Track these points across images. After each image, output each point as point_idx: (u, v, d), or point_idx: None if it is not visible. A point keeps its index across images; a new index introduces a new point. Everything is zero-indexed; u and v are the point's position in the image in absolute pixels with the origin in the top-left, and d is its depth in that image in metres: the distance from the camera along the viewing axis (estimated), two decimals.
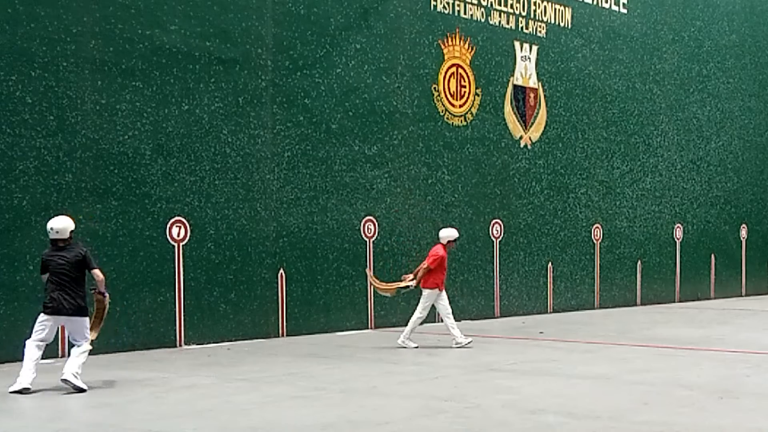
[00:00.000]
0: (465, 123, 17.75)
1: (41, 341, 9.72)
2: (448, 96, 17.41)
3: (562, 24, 19.76)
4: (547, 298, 19.22)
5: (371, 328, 15.86)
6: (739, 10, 24.53)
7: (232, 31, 14.12)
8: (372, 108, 16.06)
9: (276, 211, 14.66)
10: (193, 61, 13.63)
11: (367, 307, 15.93)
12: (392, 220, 16.38)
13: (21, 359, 11.52)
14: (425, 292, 13.36)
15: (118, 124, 12.81)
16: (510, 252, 18.45)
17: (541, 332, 15.25)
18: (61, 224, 9.78)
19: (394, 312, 16.32)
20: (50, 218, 11.94)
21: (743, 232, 24.74)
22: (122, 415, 8.26)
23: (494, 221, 18.20)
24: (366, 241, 15.95)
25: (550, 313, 19.12)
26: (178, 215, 13.46)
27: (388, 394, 9.32)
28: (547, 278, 19.22)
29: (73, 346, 9.89)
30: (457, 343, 13.21)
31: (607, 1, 20.78)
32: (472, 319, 17.49)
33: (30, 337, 9.78)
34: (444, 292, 13.48)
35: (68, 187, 12.32)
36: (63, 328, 11.84)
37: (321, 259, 15.28)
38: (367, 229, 15.98)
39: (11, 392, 9.29)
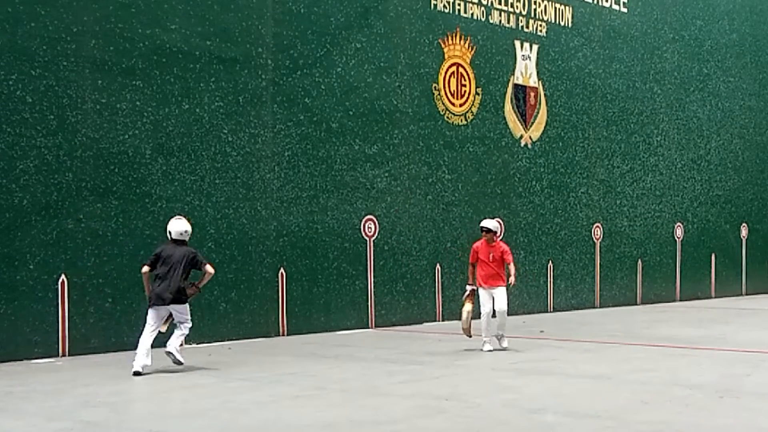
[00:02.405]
0: (465, 122, 17.75)
1: (153, 331, 10.85)
2: (449, 95, 17.41)
3: (562, 23, 19.75)
4: (547, 297, 19.22)
5: (371, 328, 15.87)
6: (740, 9, 24.53)
7: (232, 30, 14.12)
8: (372, 107, 16.06)
9: (276, 210, 14.66)
10: (193, 61, 13.63)
11: (368, 306, 15.94)
12: (393, 219, 16.38)
13: (20, 359, 11.56)
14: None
15: (118, 124, 12.81)
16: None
17: (541, 331, 15.25)
18: (188, 227, 11.16)
19: (395, 311, 16.34)
20: (50, 217, 12.05)
21: (743, 231, 24.74)
22: (122, 415, 8.26)
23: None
24: (366, 241, 15.95)
25: (551, 312, 19.12)
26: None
27: (389, 394, 9.31)
28: (547, 277, 19.22)
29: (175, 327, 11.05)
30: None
31: (607, 1, 20.78)
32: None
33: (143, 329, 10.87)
34: (489, 289, 12.65)
35: (69, 187, 12.32)
36: (64, 329, 11.98)
37: (321, 259, 15.28)
38: (368, 228, 15.98)
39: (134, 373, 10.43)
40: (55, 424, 7.93)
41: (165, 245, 11.07)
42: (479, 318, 12.93)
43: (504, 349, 12.71)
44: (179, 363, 10.82)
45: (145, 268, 10.93)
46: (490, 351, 12.63)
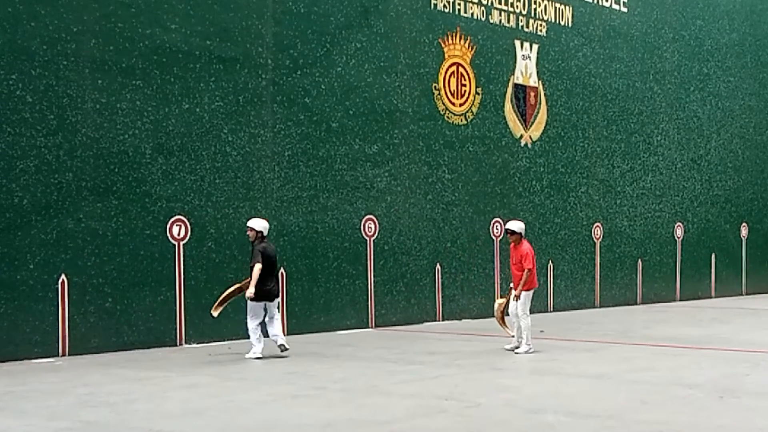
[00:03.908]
0: (465, 122, 17.74)
1: (260, 323, 12.15)
2: (449, 95, 17.41)
3: (562, 23, 19.75)
4: (547, 297, 19.21)
5: (372, 327, 15.87)
6: (740, 8, 24.52)
7: (232, 29, 14.11)
8: (372, 107, 16.06)
9: (276, 210, 14.66)
10: (193, 60, 13.62)
11: (368, 306, 15.94)
12: (393, 219, 16.38)
13: (20, 359, 11.58)
14: None
15: (118, 123, 12.81)
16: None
17: (541, 331, 15.23)
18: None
19: (395, 311, 16.34)
20: (50, 217, 12.06)
21: (743, 231, 24.74)
22: (122, 415, 8.26)
23: (494, 220, 18.19)
24: (366, 240, 15.95)
25: (551, 312, 19.12)
26: (179, 214, 13.46)
27: (389, 393, 9.32)
28: (547, 277, 19.21)
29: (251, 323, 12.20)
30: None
31: (607, 0, 20.77)
32: (472, 318, 17.51)
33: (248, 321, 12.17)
34: (517, 293, 12.46)
35: (69, 186, 12.32)
36: (64, 329, 11.99)
37: (321, 258, 15.28)
38: (368, 228, 15.98)
39: (248, 358, 11.91)
40: (55, 424, 7.93)
41: (263, 244, 12.16)
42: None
43: (516, 354, 12.40)
44: (286, 349, 12.14)
45: (260, 266, 11.92)
46: (507, 350, 12.56)
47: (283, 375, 10.60)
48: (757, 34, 25.09)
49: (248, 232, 12.37)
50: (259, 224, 12.32)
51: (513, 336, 12.80)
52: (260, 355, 11.95)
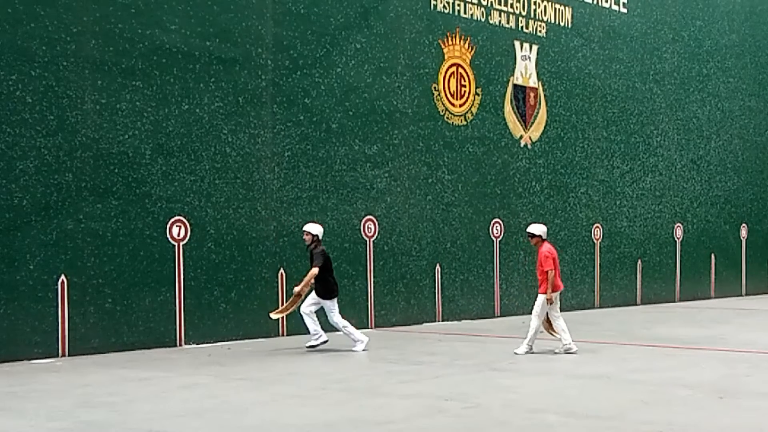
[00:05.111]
0: (465, 122, 17.75)
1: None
2: (449, 95, 17.42)
3: (562, 23, 19.76)
4: None
5: (371, 328, 15.86)
6: (739, 9, 24.53)
7: (232, 30, 14.12)
8: (372, 107, 16.06)
9: (276, 210, 14.66)
10: (193, 61, 13.63)
11: (368, 306, 15.93)
12: (392, 219, 16.38)
13: (20, 359, 11.56)
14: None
15: (118, 124, 12.81)
16: (510, 251, 18.46)
17: (541, 332, 15.23)
18: None
19: (395, 312, 16.34)
20: (50, 217, 12.09)
21: (743, 232, 24.74)
22: (122, 415, 8.26)
23: (494, 221, 18.19)
24: (366, 241, 15.95)
25: None
26: (179, 215, 13.46)
27: (389, 394, 9.32)
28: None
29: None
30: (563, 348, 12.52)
31: (607, 1, 20.78)
32: (472, 319, 17.51)
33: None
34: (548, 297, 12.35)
35: (68, 187, 12.32)
36: (64, 329, 12.00)
37: None
38: (367, 228, 15.98)
39: (360, 350, 12.79)
40: (55, 424, 7.93)
41: (321, 247, 12.86)
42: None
43: (516, 354, 12.43)
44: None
45: (316, 270, 12.48)
46: (556, 353, 12.47)
47: (283, 375, 10.60)
48: (757, 36, 25.10)
49: (305, 236, 12.99)
50: (316, 228, 12.97)
51: (559, 338, 12.69)
52: (365, 347, 12.80)
